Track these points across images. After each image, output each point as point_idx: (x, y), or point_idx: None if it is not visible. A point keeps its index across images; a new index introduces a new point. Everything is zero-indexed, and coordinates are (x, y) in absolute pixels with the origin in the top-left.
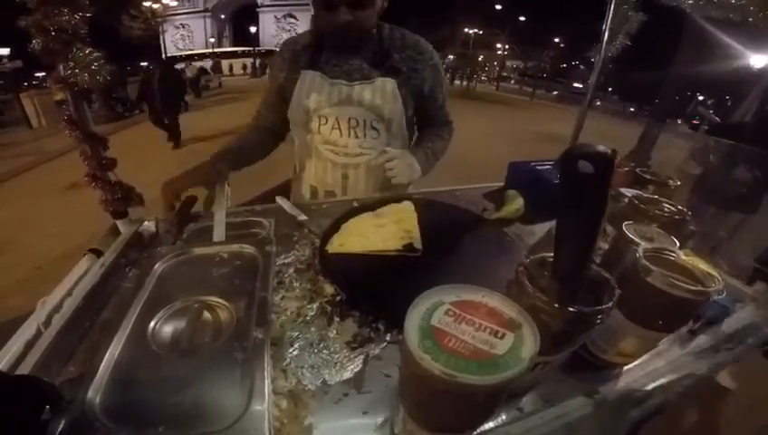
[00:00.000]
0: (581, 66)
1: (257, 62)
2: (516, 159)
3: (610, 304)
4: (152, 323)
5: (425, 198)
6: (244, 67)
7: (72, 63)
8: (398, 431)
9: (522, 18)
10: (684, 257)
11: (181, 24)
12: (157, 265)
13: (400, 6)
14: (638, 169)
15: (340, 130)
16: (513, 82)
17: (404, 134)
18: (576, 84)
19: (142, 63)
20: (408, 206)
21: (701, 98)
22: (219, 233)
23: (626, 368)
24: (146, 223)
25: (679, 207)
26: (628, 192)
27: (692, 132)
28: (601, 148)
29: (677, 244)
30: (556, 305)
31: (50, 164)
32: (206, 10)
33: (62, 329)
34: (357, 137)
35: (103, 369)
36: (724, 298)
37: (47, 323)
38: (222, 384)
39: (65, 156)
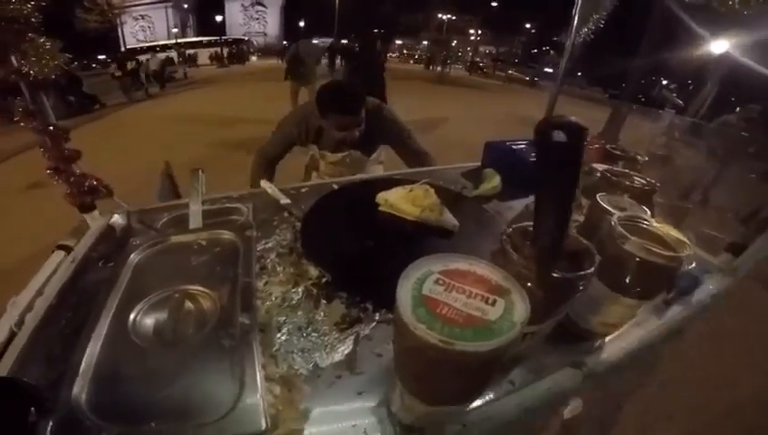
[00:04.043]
0: (552, 51)
1: (224, 51)
2: (492, 140)
3: (591, 270)
4: (132, 316)
5: (408, 178)
6: (212, 57)
7: (28, 53)
8: (395, 409)
9: (494, 3)
10: (656, 225)
11: (140, 16)
12: (132, 257)
13: None
14: (608, 146)
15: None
16: (483, 66)
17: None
18: (547, 69)
19: (99, 57)
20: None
21: (665, 82)
22: (196, 221)
23: (608, 338)
24: (116, 216)
25: (648, 179)
26: (600, 167)
27: (658, 113)
28: (573, 118)
29: (649, 213)
30: (541, 272)
31: (4, 165)
32: (167, 0)
33: (37, 328)
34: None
35: (86, 366)
36: (693, 269)
37: (20, 323)
38: (212, 373)
39: (22, 155)
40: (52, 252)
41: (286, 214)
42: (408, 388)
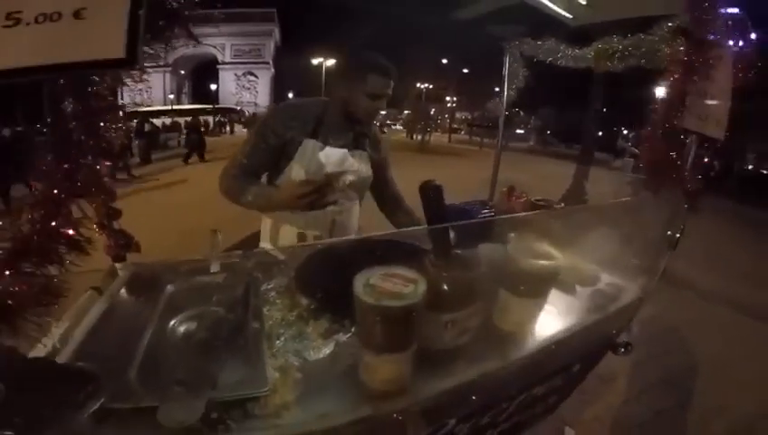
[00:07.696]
0: (521, 112)
1: (216, 120)
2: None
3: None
4: (171, 324)
5: (383, 238)
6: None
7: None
8: (361, 371)
9: (465, 70)
10: (545, 248)
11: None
12: (168, 288)
13: None
14: (532, 199)
15: None
16: (463, 132)
17: (367, 189)
18: (518, 130)
19: None
20: None
21: (625, 132)
22: (215, 267)
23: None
24: (142, 265)
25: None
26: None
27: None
28: (433, 182)
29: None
30: (444, 274)
31: None
32: (167, 64)
33: (84, 341)
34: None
35: (136, 355)
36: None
37: (63, 340)
38: (232, 359)
39: None
40: (86, 292)
41: (283, 266)
42: (364, 345)
